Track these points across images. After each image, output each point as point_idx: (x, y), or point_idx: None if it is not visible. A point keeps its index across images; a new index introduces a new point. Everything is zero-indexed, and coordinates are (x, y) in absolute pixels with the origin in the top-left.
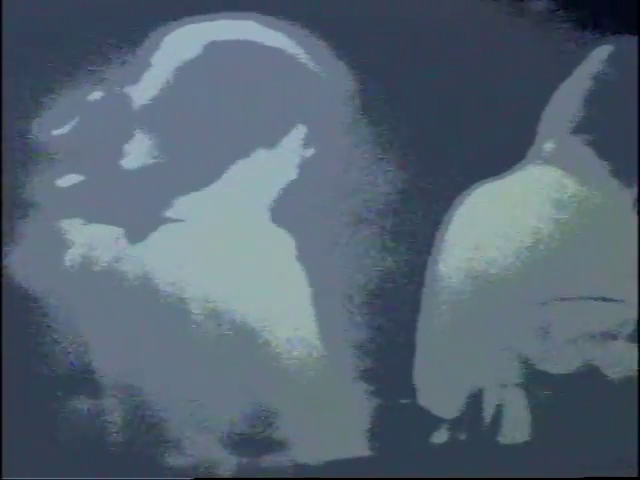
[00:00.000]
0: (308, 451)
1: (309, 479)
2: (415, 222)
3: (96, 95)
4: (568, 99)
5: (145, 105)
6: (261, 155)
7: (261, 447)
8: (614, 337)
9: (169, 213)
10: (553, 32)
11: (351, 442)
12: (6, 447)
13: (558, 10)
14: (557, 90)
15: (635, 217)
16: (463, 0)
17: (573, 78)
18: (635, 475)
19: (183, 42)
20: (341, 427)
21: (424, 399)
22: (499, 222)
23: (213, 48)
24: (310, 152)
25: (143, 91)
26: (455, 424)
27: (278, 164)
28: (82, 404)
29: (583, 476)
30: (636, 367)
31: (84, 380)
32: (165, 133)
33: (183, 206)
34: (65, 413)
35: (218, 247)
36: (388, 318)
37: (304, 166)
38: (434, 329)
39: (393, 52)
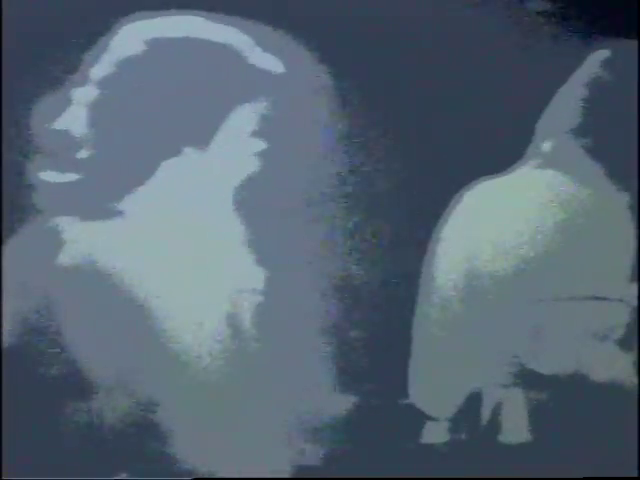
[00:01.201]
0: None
1: (305, 479)
2: (412, 220)
3: (52, 95)
4: (566, 101)
5: (93, 101)
6: (202, 151)
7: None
8: (610, 338)
9: (111, 206)
10: (552, 33)
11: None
12: (6, 447)
13: (558, 12)
14: (556, 93)
15: (630, 218)
16: (464, 0)
17: (572, 81)
18: (635, 475)
19: (127, 39)
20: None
21: (420, 400)
22: (495, 221)
23: (157, 44)
24: (260, 146)
25: (91, 88)
26: (454, 424)
27: (223, 159)
28: (75, 403)
29: (583, 476)
30: (634, 367)
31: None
32: (110, 128)
33: (123, 199)
34: (62, 413)
35: (150, 240)
36: (384, 318)
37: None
38: (429, 329)
39: (393, 52)
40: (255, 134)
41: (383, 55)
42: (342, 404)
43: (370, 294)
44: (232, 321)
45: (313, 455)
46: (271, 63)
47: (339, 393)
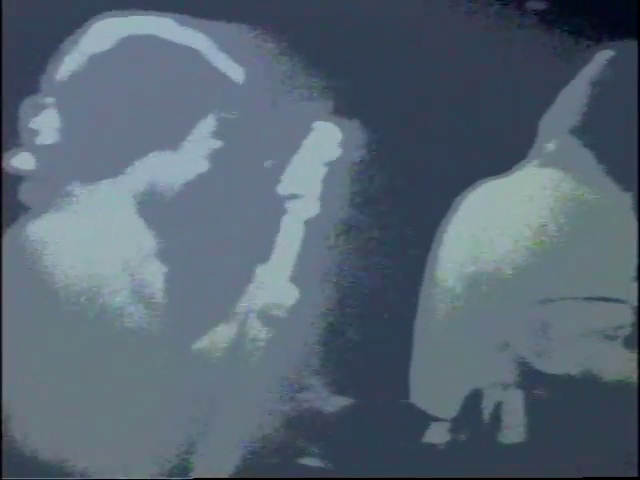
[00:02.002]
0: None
1: (305, 479)
2: (415, 221)
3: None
4: (570, 101)
5: (58, 91)
6: (164, 149)
7: None
8: (613, 338)
9: (72, 199)
10: (554, 33)
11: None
12: (6, 447)
13: (558, 12)
14: (560, 93)
15: (634, 218)
16: (467, 2)
17: (576, 81)
18: (635, 475)
19: (99, 34)
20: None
21: (421, 400)
22: (498, 221)
23: (126, 42)
24: (218, 144)
25: (59, 78)
26: (454, 424)
27: (180, 158)
28: None
29: (583, 476)
30: (635, 367)
31: None
32: (76, 122)
33: (88, 194)
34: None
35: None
36: (384, 318)
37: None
38: (432, 329)
39: (394, 52)
40: (218, 136)
41: (384, 56)
42: (341, 404)
43: (370, 294)
44: (240, 326)
45: (313, 455)
46: (233, 70)
47: (338, 393)
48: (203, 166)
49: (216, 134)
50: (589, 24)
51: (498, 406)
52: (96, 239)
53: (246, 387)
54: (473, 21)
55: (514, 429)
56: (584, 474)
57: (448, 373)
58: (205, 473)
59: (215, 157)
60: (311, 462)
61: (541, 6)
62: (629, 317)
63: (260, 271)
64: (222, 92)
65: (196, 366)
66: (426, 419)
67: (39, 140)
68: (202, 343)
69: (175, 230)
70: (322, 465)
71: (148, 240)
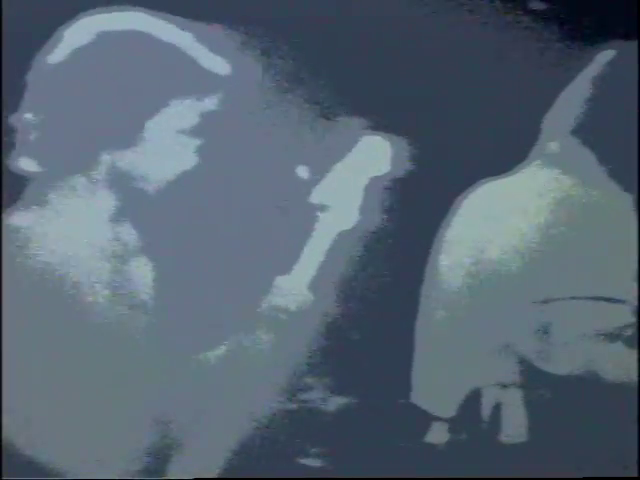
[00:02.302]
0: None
1: (305, 479)
2: (415, 221)
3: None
4: (571, 102)
5: (39, 88)
6: (145, 143)
7: None
8: (614, 338)
9: (46, 190)
10: (555, 33)
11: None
12: (6, 447)
13: (558, 12)
14: (562, 93)
15: (634, 218)
16: (469, 2)
17: (578, 80)
18: (635, 475)
19: (79, 31)
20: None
21: (422, 399)
22: (500, 221)
23: (108, 37)
24: (201, 141)
25: (41, 75)
26: (454, 424)
27: (157, 154)
28: None
29: (583, 476)
30: (635, 367)
31: None
32: (56, 115)
33: (64, 187)
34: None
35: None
36: (384, 318)
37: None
38: (433, 328)
39: (394, 53)
40: (197, 130)
41: (384, 56)
42: (341, 404)
43: (370, 294)
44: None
45: (313, 455)
46: (218, 64)
47: (338, 393)
48: (191, 162)
49: (205, 130)
50: (590, 24)
51: (498, 406)
52: (74, 235)
53: (244, 387)
54: (474, 21)
55: (514, 429)
56: (584, 474)
57: (448, 373)
58: (201, 472)
59: (235, 158)
60: (311, 462)
61: (542, 6)
62: (630, 317)
63: (279, 278)
64: (205, 86)
65: (192, 366)
66: (426, 419)
67: (21, 136)
68: (200, 343)
69: (180, 230)
70: (322, 465)
71: (133, 238)
